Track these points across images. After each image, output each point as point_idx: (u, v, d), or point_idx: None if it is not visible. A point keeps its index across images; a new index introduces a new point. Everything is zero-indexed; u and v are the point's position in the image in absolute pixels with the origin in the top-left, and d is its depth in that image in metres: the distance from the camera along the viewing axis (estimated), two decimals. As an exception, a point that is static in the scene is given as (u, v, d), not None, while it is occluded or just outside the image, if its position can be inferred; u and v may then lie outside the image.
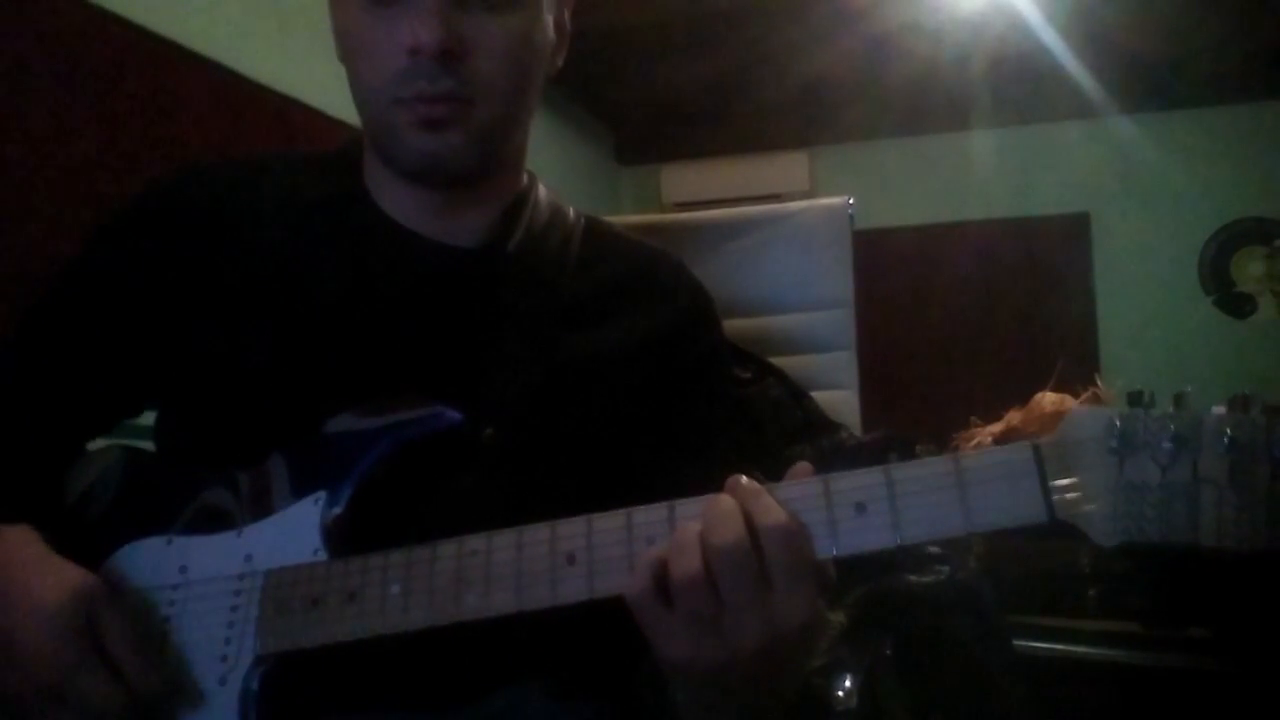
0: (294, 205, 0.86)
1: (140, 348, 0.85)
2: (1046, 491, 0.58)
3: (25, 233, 1.55)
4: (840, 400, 1.60)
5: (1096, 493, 0.57)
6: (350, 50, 0.80)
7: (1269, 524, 0.53)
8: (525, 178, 0.93)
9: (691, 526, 0.60)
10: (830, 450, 1.48)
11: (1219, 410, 0.56)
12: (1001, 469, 0.59)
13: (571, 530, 0.64)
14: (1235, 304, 3.71)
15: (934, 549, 1.62)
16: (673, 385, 0.87)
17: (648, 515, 0.64)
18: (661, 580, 0.60)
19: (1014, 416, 2.01)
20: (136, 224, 0.87)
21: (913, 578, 1.56)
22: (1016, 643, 1.76)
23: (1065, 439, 0.58)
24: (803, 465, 0.63)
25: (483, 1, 0.76)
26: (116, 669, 0.66)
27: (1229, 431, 0.54)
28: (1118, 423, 0.57)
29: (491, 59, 0.77)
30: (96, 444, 0.89)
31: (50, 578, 0.69)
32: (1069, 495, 0.57)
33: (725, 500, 0.61)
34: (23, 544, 0.73)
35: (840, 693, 1.22)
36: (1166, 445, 0.55)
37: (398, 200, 0.86)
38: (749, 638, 0.59)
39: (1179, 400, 0.57)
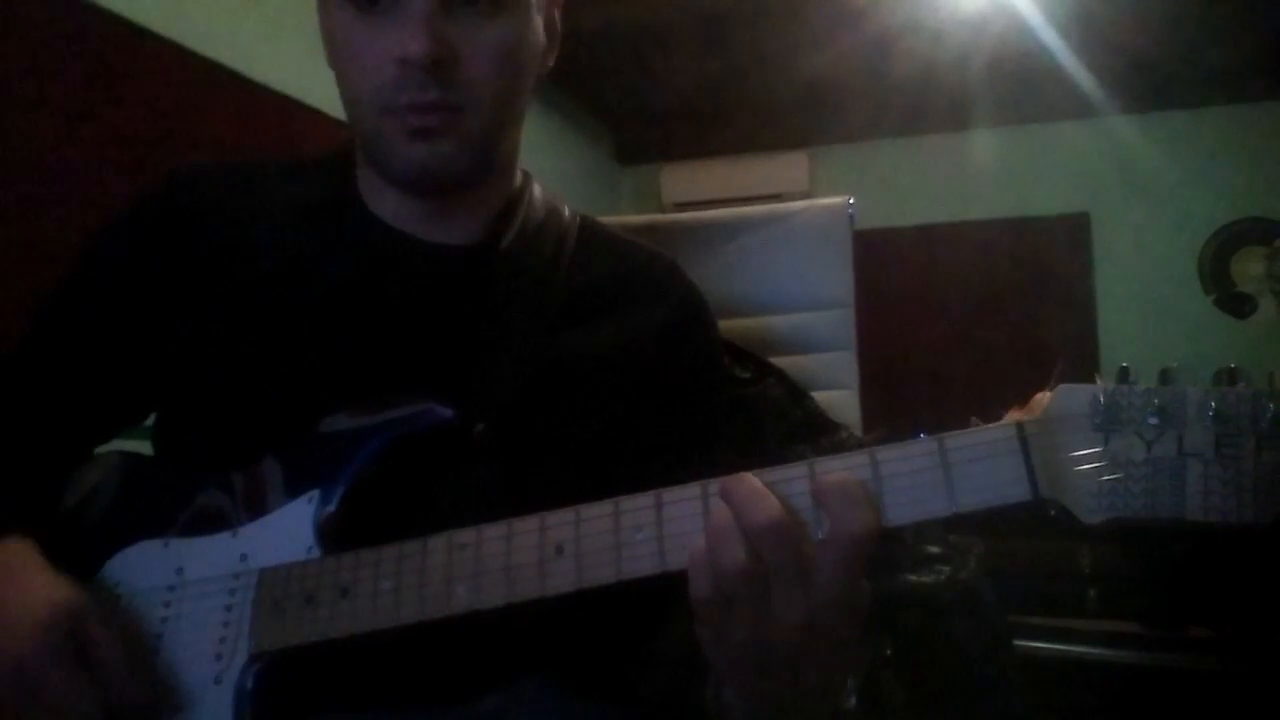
0: (286, 208, 0.86)
1: (139, 354, 0.86)
2: (1031, 469, 0.57)
3: (26, 233, 1.55)
4: (840, 400, 1.59)
5: (1080, 469, 0.56)
6: (339, 57, 0.79)
7: (1255, 497, 0.52)
8: (519, 177, 0.92)
9: (723, 512, 0.58)
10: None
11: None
12: (985, 448, 0.58)
13: (560, 520, 0.64)
14: (1235, 304, 3.71)
15: (934, 549, 1.62)
16: (666, 385, 0.87)
17: (634, 504, 0.63)
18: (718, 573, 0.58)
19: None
20: (131, 231, 0.87)
21: (913, 578, 1.56)
22: (1016, 643, 1.76)
23: (1050, 416, 0.58)
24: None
25: (471, 7, 0.75)
26: (100, 679, 0.66)
27: (1214, 405, 0.53)
28: (1102, 398, 0.56)
29: (481, 66, 0.76)
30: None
31: (42, 590, 0.69)
32: (1053, 472, 0.57)
33: (750, 479, 0.59)
34: (19, 555, 0.73)
35: (839, 693, 1.21)
36: (1152, 420, 0.55)
37: (390, 204, 0.86)
38: (794, 612, 0.57)
39: (1164, 375, 0.56)
